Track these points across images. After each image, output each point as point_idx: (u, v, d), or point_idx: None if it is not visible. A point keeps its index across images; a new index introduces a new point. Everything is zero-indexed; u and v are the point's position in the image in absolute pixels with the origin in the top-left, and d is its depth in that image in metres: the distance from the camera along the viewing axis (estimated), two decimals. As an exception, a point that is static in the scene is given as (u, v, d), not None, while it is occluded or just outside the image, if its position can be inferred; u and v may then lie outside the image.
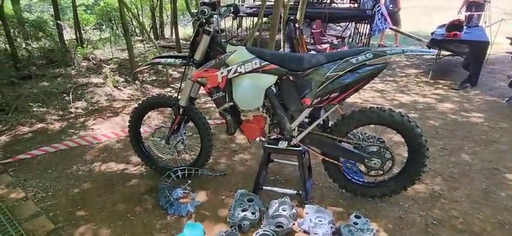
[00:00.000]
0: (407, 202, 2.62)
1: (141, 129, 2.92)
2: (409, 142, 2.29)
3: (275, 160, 3.04)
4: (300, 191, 2.57)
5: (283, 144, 2.43)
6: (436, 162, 3.21)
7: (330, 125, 2.46)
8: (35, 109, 4.22)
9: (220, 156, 3.32)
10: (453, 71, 6.44)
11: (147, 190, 2.77)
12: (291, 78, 2.21)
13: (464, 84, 5.46)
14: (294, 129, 2.38)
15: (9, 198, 2.61)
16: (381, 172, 2.41)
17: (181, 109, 2.56)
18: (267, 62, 2.19)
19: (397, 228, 2.33)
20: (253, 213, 2.39)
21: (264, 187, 2.67)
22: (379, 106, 2.29)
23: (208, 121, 2.76)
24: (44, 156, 3.25)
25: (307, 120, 2.43)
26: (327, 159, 2.48)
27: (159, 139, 2.73)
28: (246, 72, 2.22)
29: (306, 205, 2.46)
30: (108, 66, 5.93)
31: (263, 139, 2.49)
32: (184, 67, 2.44)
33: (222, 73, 2.26)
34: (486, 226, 2.35)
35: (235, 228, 2.24)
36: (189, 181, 2.68)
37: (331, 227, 2.25)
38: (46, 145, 3.39)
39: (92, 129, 3.89)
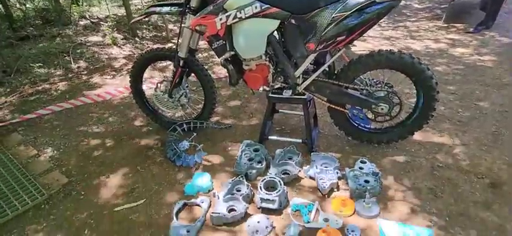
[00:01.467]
0: (414, 147, 2.64)
1: (145, 86, 2.92)
2: (419, 85, 2.24)
3: (280, 110, 3.04)
4: (306, 140, 2.60)
5: (287, 93, 2.41)
6: (446, 107, 3.17)
7: (336, 71, 2.40)
8: (36, 69, 4.23)
9: (226, 109, 3.33)
10: (468, 13, 6.11)
11: (154, 144, 2.84)
12: (294, 21, 2.11)
13: (480, 27, 5.20)
14: (299, 77, 2.34)
15: (22, 155, 2.72)
16: (388, 118, 2.40)
17: (181, 61, 2.52)
18: (268, 5, 2.08)
19: (402, 172, 2.38)
20: (259, 162, 2.45)
21: (269, 137, 2.71)
22: (388, 50, 2.21)
23: (211, 75, 2.73)
24: (51, 115, 3.31)
25: (312, 66, 2.37)
26: (333, 106, 2.46)
27: (162, 93, 2.73)
28: (246, 18, 2.12)
29: (312, 153, 2.50)
30: (106, 24, 5.79)
31: (267, 88, 2.46)
32: (181, 16, 2.35)
33: (220, 19, 2.17)
34: (493, 166, 2.37)
35: (242, 176, 2.31)
36: (195, 134, 2.72)
37: (337, 173, 2.30)
38: (52, 105, 3.44)
39: (96, 87, 3.91)
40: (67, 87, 3.90)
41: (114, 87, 3.86)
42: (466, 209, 2.04)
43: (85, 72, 4.30)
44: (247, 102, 3.45)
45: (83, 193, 2.36)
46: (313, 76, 2.30)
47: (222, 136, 2.91)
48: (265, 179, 2.21)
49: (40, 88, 3.85)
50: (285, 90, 2.42)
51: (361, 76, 2.34)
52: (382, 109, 2.31)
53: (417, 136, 2.72)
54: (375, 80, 2.37)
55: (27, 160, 2.66)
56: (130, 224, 2.08)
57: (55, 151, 2.79)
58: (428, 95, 2.24)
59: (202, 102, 2.84)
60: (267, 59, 2.30)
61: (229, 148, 2.75)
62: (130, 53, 4.96)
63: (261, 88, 2.44)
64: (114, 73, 4.27)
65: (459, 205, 2.07)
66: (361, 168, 2.33)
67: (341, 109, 2.46)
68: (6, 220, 2.10)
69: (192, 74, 2.71)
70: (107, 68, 4.38)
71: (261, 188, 2.14)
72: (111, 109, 3.42)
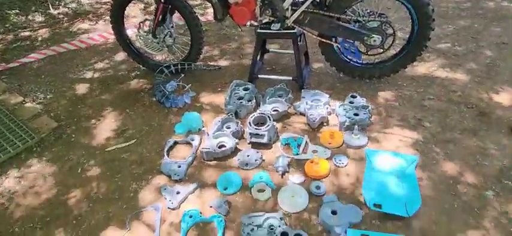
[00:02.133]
0: (406, 81, 2.65)
1: (130, 31, 2.82)
2: (414, 12, 2.18)
3: (271, 50, 2.99)
4: (296, 77, 2.59)
5: (276, 27, 2.34)
6: (440, 42, 3.13)
7: (326, 2, 2.32)
8: (13, 17, 4.05)
9: (215, 50, 3.27)
10: None
11: (143, 88, 2.83)
12: None
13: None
14: (287, 9, 2.26)
15: (9, 102, 2.72)
16: (381, 51, 2.37)
17: (162, -4, 2.41)
18: None
19: (393, 105, 2.41)
20: (249, 100, 2.47)
21: (259, 76, 2.69)
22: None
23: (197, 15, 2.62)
24: (34, 63, 3.25)
25: (301, -2, 2.28)
26: (324, 40, 2.41)
27: (146, 33, 2.65)
28: None
29: (303, 89, 2.51)
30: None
31: (255, 23, 2.40)
32: None
33: None
34: (484, 96, 2.41)
35: (231, 114, 2.33)
36: (183, 75, 2.70)
37: (327, 108, 2.33)
38: (35, 53, 3.36)
39: (78, 33, 3.79)
40: (48, 34, 3.78)
41: (98, 32, 3.74)
42: (452, 136, 2.10)
43: (66, 19, 4.13)
44: (239, 44, 3.38)
45: (73, 136, 2.40)
46: (303, 7, 2.22)
47: (212, 77, 2.89)
48: (254, 115, 2.24)
49: (21, 36, 3.73)
50: (273, 24, 2.35)
51: (353, 6, 2.26)
52: (374, 41, 2.27)
53: (410, 71, 2.72)
54: (367, 10, 2.29)
55: (14, 107, 2.66)
56: (123, 163, 2.14)
57: (42, 98, 2.79)
58: (423, 23, 2.19)
59: (189, 43, 2.78)
60: (254, -11, 2.21)
61: (219, 89, 2.75)
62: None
63: (248, 23, 2.37)
64: (96, 18, 4.11)
65: (446, 133, 2.14)
66: (351, 102, 2.35)
67: (330, 42, 2.41)
68: (-1, 162, 2.16)
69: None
70: (88, 14, 4.21)
71: (250, 124, 2.17)
72: (96, 55, 3.35)
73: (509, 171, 1.84)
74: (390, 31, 2.25)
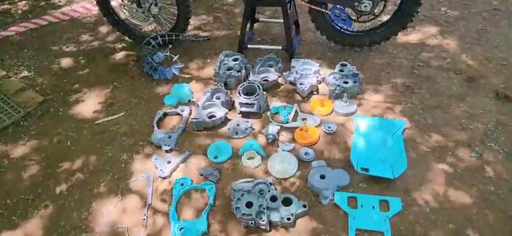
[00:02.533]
0: (397, 49, 2.66)
1: (113, 1, 2.74)
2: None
3: (261, 19, 2.95)
4: (286, 46, 2.58)
5: (265, -7, 2.30)
6: (433, 9, 3.12)
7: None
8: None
9: (204, 21, 3.22)
10: None
11: (129, 60, 2.80)
12: None
13: None
14: (277, -26, 2.22)
15: (-9, 77, 2.67)
16: (372, 17, 2.36)
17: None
18: None
19: (383, 72, 2.44)
20: (238, 71, 2.46)
21: (249, 46, 2.68)
22: None
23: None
24: (15, 36, 3.16)
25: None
26: (314, 7, 2.39)
27: (130, 3, 2.59)
28: None
29: (293, 59, 2.51)
30: None
31: (244, -10, 2.35)
32: None
33: None
34: (473, 62, 2.44)
35: (220, 84, 2.34)
36: (170, 46, 2.66)
37: (317, 77, 2.34)
38: (15, 26, 3.26)
39: (60, 5, 3.67)
40: (28, 7, 3.66)
41: (80, 4, 3.62)
42: (440, 102, 2.15)
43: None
44: (228, 14, 3.32)
45: (60, 110, 2.39)
46: (292, -29, 2.18)
47: (201, 48, 2.86)
48: (243, 85, 2.25)
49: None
50: (262, -10, 2.31)
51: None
52: (365, 6, 2.26)
53: (401, 38, 2.73)
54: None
55: (-2, 82, 2.62)
56: (113, 135, 2.16)
57: (26, 72, 2.74)
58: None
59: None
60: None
61: (208, 60, 2.73)
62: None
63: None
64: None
65: (434, 98, 2.18)
66: (341, 71, 2.37)
67: (321, 9, 2.39)
68: (-15, 137, 2.16)
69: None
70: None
71: (239, 94, 2.19)
72: (80, 28, 3.27)
73: (492, 134, 1.91)
74: (381, -5, 2.23)
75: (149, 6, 2.56)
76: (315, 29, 2.63)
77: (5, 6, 3.67)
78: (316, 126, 2.07)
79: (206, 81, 2.52)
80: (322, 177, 1.73)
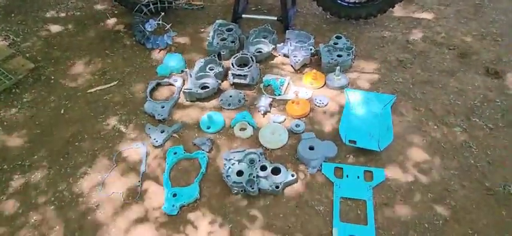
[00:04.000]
0: (393, 22, 2.69)
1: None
2: None
3: (256, -13, 2.93)
4: (281, 17, 2.59)
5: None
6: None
7: None
8: None
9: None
10: None
11: (122, 28, 2.80)
12: None
13: None
14: None
15: (-21, 43, 2.66)
16: (368, -12, 2.37)
17: None
18: None
19: (377, 46, 2.48)
20: (232, 42, 2.49)
21: (243, 16, 2.68)
22: None
23: None
24: (1, 0, 3.11)
25: None
26: (310, -23, 2.38)
27: (122, -34, 2.55)
28: None
29: (287, 31, 2.53)
30: None
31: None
32: None
33: None
34: (467, 38, 2.49)
35: (214, 55, 2.37)
36: (163, 14, 2.66)
37: (311, 49, 2.38)
38: (0, -12, 3.20)
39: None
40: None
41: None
42: (430, 77, 2.22)
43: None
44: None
45: (52, 77, 2.42)
46: None
47: (194, 17, 2.86)
48: (237, 56, 2.29)
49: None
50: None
51: None
52: (362, -24, 2.26)
53: (397, 12, 2.75)
54: None
55: (-14, 48, 2.62)
56: (106, 104, 2.22)
57: (14, 38, 2.74)
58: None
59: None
60: None
61: (202, 29, 2.75)
62: None
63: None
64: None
65: (425, 74, 2.25)
66: (336, 44, 2.41)
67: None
68: (-23, 103, 2.20)
69: None
70: None
71: (233, 65, 2.23)
72: (69, -8, 3.22)
73: (478, 109, 2.00)
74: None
75: (141, -29, 2.53)
76: (311, 1, 2.63)
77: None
78: (308, 99, 2.14)
79: (199, 51, 2.55)
80: (311, 147, 1.83)
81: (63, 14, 2.98)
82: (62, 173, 1.87)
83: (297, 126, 1.99)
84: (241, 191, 1.68)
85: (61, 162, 1.92)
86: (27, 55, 2.58)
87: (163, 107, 2.13)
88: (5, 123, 2.14)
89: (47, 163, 1.92)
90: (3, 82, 2.31)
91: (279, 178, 1.70)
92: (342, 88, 2.20)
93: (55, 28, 2.84)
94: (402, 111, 2.03)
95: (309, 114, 2.07)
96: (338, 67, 2.20)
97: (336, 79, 2.21)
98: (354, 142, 1.85)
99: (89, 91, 2.31)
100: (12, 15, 2.97)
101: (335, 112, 2.08)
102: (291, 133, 1.97)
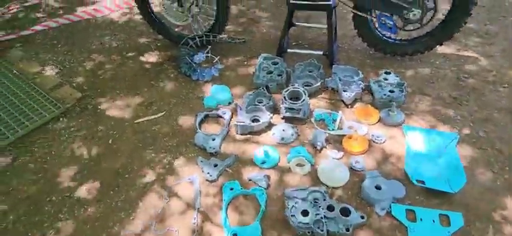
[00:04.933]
0: (438, 59, 2.64)
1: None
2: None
3: (297, 23, 2.93)
4: (327, 52, 2.56)
5: (313, -3, 2.29)
6: (471, 21, 3.08)
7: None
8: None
9: (237, 24, 3.21)
10: None
11: (165, 60, 2.79)
12: None
13: None
14: (326, -22, 2.21)
15: (28, 71, 2.67)
16: (418, 26, 2.34)
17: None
18: None
19: (427, 83, 2.41)
20: (279, 75, 2.45)
21: (288, 50, 2.66)
22: None
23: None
24: (48, 31, 3.17)
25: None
26: (359, 13, 2.38)
27: (170, 2, 2.59)
28: None
29: (334, 65, 2.49)
30: None
31: (289, -7, 2.34)
32: None
33: None
34: (519, 77, 2.41)
35: (263, 88, 2.32)
36: (209, 47, 2.66)
37: (360, 84, 2.32)
38: (49, 20, 3.27)
39: (90, 3, 3.68)
40: (58, 3, 3.67)
41: (112, 1, 3.64)
42: (490, 115, 2.12)
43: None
44: (258, 18, 3.31)
45: (99, 107, 2.38)
46: (343, -23, 2.17)
47: (236, 50, 2.85)
48: (289, 89, 2.23)
49: (29, 3, 3.62)
50: (309, -6, 2.30)
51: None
52: (414, 15, 2.24)
53: (441, 49, 2.71)
54: (406, -17, 2.25)
55: (34, 76, 2.62)
56: (154, 135, 2.15)
57: (60, 67, 2.74)
58: (465, -2, 2.16)
59: (214, 14, 2.71)
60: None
61: (245, 62, 2.72)
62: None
63: (283, -7, 2.31)
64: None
65: (483, 111, 2.15)
66: (385, 79, 2.35)
67: (368, 16, 2.38)
68: (27, 131, 2.15)
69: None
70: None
71: (285, 99, 2.17)
72: (112, 26, 3.28)
73: (549, 150, 1.88)
74: (431, 5, 2.21)
75: (190, 6, 2.56)
76: (352, 36, 2.61)
77: (35, 1, 3.68)
78: (364, 135, 2.04)
79: (244, 84, 2.50)
80: (378, 187, 1.71)
81: (107, 45, 3.00)
82: (113, 207, 1.76)
83: (357, 162, 1.88)
84: (309, 233, 1.55)
85: (111, 195, 1.82)
86: (74, 84, 2.56)
87: (214, 140, 2.05)
88: (53, 152, 2.07)
89: (96, 196, 1.82)
90: (52, 111, 2.27)
91: (348, 220, 1.57)
92: (398, 124, 2.10)
93: (100, 59, 2.85)
94: (468, 151, 1.91)
95: (367, 150, 1.96)
96: (394, 104, 2.12)
97: (392, 116, 2.12)
98: (423, 182, 1.72)
99: (136, 121, 2.25)
100: (59, 45, 3.00)
101: (395, 149, 1.97)
102: (351, 170, 1.86)
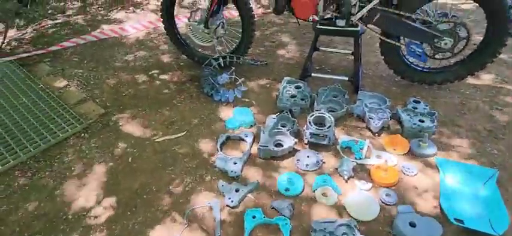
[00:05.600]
0: (468, 89, 2.52)
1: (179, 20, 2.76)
2: (492, 15, 2.05)
3: (321, 48, 2.88)
4: (352, 78, 2.48)
5: (341, 23, 2.24)
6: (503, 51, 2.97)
7: (394, 1, 2.21)
8: (51, 1, 4.07)
9: (260, 47, 3.19)
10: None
11: (188, 79, 2.77)
12: None
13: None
14: (355, 5, 2.16)
15: (53, 86, 2.69)
16: (449, 55, 2.25)
17: (220, -15, 2.35)
18: None
19: (458, 113, 2.29)
20: (302, 99, 2.37)
21: (313, 74, 2.60)
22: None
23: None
24: (76, 48, 3.23)
25: (368, -7, 2.19)
26: (388, 40, 2.31)
27: (197, 23, 2.59)
28: None
29: (359, 91, 2.41)
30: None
31: (316, 18, 2.30)
32: None
33: None
34: (558, 111, 2.26)
35: (286, 112, 2.24)
36: (233, 68, 2.62)
37: (388, 112, 2.21)
38: (75, 37, 3.35)
39: (116, 21, 3.77)
40: (86, 21, 3.77)
41: (137, 21, 3.72)
42: (530, 151, 1.97)
43: (103, 6, 4.12)
44: (281, 42, 3.30)
45: (120, 124, 2.35)
46: (373, 2, 2.12)
47: (259, 73, 2.81)
48: (314, 114, 2.14)
49: (59, 21, 3.73)
50: (337, 20, 2.25)
51: (424, 6, 2.15)
52: (445, 44, 2.15)
53: (471, 79, 2.59)
54: (439, 12, 2.18)
55: (59, 91, 2.64)
56: (174, 155, 2.08)
57: (85, 83, 2.75)
58: (500, 27, 2.06)
59: (239, 36, 2.70)
60: (321, -18, 2.12)
61: (268, 85, 2.67)
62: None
63: (310, 18, 2.27)
64: (133, 8, 4.09)
65: (523, 147, 2.00)
66: (414, 108, 2.24)
67: (396, 43, 2.30)
68: (48, 145, 2.13)
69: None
70: (125, 3, 4.19)
71: (310, 124, 2.08)
72: (137, 44, 3.32)
73: None
74: (464, 34, 2.12)
75: (216, 28, 2.55)
76: (376, 62, 2.53)
77: (65, 19, 3.80)
78: (394, 166, 1.92)
79: (267, 107, 2.44)
80: (412, 224, 1.56)
81: (131, 63, 3.02)
82: (129, 229, 1.68)
83: (388, 195, 1.74)
84: (338, 271, 1.41)
85: (128, 216, 1.74)
86: (97, 100, 2.56)
87: (235, 163, 1.96)
88: (72, 168, 2.03)
89: (113, 216, 1.74)
90: (74, 126, 2.25)
91: (381, 259, 1.43)
92: (429, 156, 1.97)
93: (123, 76, 2.85)
94: (508, 188, 1.76)
95: (398, 183, 1.83)
96: (426, 134, 2.00)
97: (423, 147, 1.99)
98: (461, 221, 1.57)
99: (157, 140, 2.20)
100: (85, 61, 3.04)
101: (427, 183, 1.83)
102: (382, 203, 1.72)
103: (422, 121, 2.12)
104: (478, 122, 2.20)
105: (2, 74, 2.78)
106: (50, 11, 3.90)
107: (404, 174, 1.88)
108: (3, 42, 3.04)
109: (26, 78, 2.72)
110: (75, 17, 3.82)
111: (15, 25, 3.58)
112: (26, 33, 3.50)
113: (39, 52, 3.09)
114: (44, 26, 3.62)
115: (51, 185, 1.92)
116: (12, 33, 3.48)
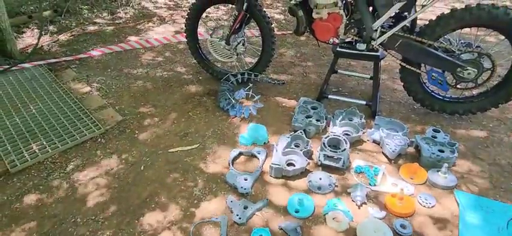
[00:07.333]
0: (492, 122, 2.39)
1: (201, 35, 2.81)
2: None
3: (339, 71, 2.85)
4: (370, 102, 2.42)
5: (361, 47, 2.21)
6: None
7: (417, 29, 2.16)
8: (85, 12, 4.25)
9: (278, 66, 3.18)
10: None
11: (205, 93, 2.78)
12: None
13: None
14: (376, 30, 2.12)
15: (77, 91, 2.76)
16: (472, 85, 2.15)
17: (245, 4, 2.37)
18: None
19: (480, 146, 2.16)
20: (318, 120, 2.32)
21: (329, 96, 2.55)
22: (490, 4, 1.93)
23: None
24: (102, 56, 3.33)
25: (391, 20, 2.14)
26: (408, 66, 2.24)
27: (218, 39, 2.62)
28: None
29: (377, 116, 2.33)
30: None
31: (336, 41, 2.27)
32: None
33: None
34: None
35: (301, 132, 2.19)
36: (251, 84, 2.61)
37: (406, 139, 2.12)
38: (102, 47, 3.46)
39: (143, 34, 3.88)
40: (114, 32, 3.90)
41: (162, 35, 3.81)
42: (560, 192, 1.82)
43: (132, 19, 4.27)
44: (299, 62, 3.28)
45: (136, 131, 2.36)
46: (395, 29, 2.08)
47: (276, 91, 2.79)
48: (329, 136, 2.08)
49: (90, 30, 3.88)
50: (358, 44, 2.21)
51: (447, 35, 2.09)
52: (468, 74, 2.06)
53: (493, 112, 2.46)
54: (462, 42, 2.10)
55: (82, 96, 2.70)
56: (186, 167, 2.05)
57: (107, 90, 2.81)
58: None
59: (259, 52, 2.70)
60: (342, 6, 2.10)
61: (284, 104, 2.63)
62: (175, 2, 4.86)
63: (330, 40, 2.25)
64: (159, 22, 4.21)
65: (551, 187, 1.85)
66: (434, 137, 2.13)
67: (417, 70, 2.23)
68: (66, 148, 2.15)
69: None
70: (152, 16, 4.33)
71: (324, 145, 2.02)
72: (159, 56, 3.39)
73: None
74: (488, 65, 2.03)
75: (237, 45, 2.57)
76: (393, 88, 2.45)
77: (95, 28, 3.95)
78: (411, 196, 1.81)
79: (281, 126, 2.39)
80: (429, 260, 1.45)
81: (152, 74, 3.07)
82: (135, 237, 1.64)
83: (403, 226, 1.63)
84: None
85: (134, 224, 1.71)
86: (117, 107, 2.59)
87: (246, 180, 1.91)
88: (85, 172, 2.03)
89: (120, 223, 1.71)
90: (92, 131, 2.27)
91: None
92: (448, 188, 1.85)
93: (144, 85, 2.90)
94: (535, 230, 1.61)
95: (414, 213, 1.72)
96: (445, 165, 1.89)
97: (442, 177, 1.88)
98: (483, 261, 1.44)
99: (170, 150, 2.18)
100: (109, 70, 3.12)
101: (444, 216, 1.71)
102: (396, 234, 1.62)
103: (442, 151, 2.01)
104: (501, 156, 2.07)
105: (31, 76, 2.89)
106: (81, 22, 4.07)
107: (421, 204, 1.77)
108: (36, 47, 3.17)
109: (53, 81, 2.81)
110: (103, 28, 3.96)
111: (49, 32, 3.75)
112: (58, 40, 3.64)
113: (67, 58, 3.20)
114: (74, 35, 3.77)
115: (64, 186, 1.93)
116: (46, 38, 3.64)
